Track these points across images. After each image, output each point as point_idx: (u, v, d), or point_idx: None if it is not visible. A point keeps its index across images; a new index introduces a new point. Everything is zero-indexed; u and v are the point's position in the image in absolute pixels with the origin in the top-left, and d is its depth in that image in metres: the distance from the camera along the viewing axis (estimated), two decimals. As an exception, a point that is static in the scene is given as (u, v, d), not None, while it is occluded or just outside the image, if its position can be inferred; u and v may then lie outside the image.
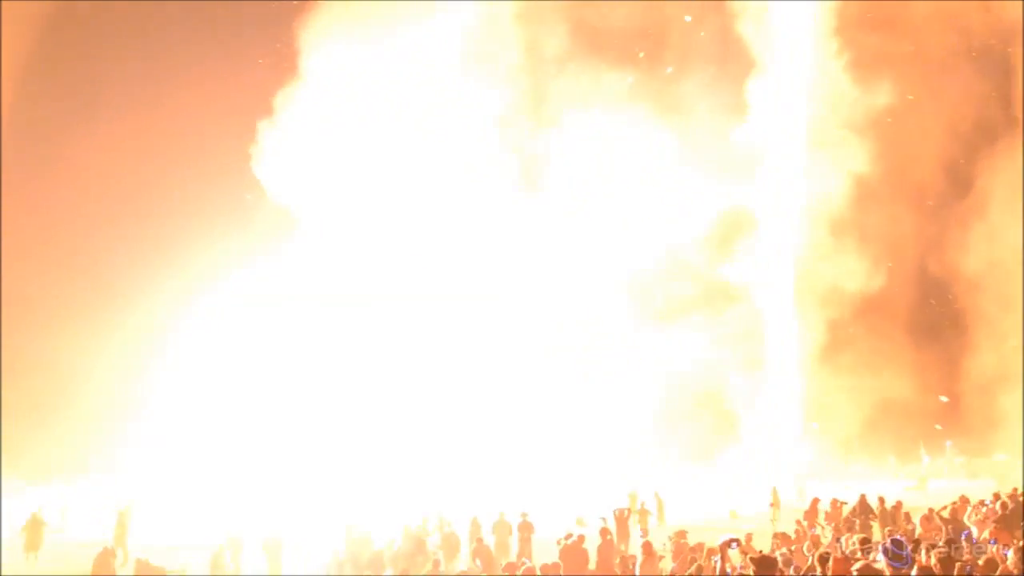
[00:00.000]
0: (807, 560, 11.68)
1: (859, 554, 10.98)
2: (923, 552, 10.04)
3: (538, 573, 12.69)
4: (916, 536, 15.17)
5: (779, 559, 10.69)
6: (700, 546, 13.64)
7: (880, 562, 9.49)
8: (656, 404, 43.35)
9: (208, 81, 48.70)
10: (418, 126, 44.70)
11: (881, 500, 22.37)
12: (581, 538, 16.24)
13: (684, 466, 44.38)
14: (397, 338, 42.74)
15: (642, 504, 25.81)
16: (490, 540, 21.44)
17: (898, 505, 21.82)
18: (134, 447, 42.13)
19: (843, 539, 13.47)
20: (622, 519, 21.10)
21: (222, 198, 47.05)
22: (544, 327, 45.28)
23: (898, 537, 10.60)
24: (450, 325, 43.12)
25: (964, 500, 19.23)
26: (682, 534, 15.83)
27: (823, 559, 10.11)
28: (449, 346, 42.79)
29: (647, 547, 15.18)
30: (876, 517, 21.37)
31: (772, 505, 27.36)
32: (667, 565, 15.18)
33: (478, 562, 18.28)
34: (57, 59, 51.49)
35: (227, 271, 44.67)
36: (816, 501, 23.77)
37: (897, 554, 9.16)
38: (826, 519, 21.99)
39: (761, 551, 10.98)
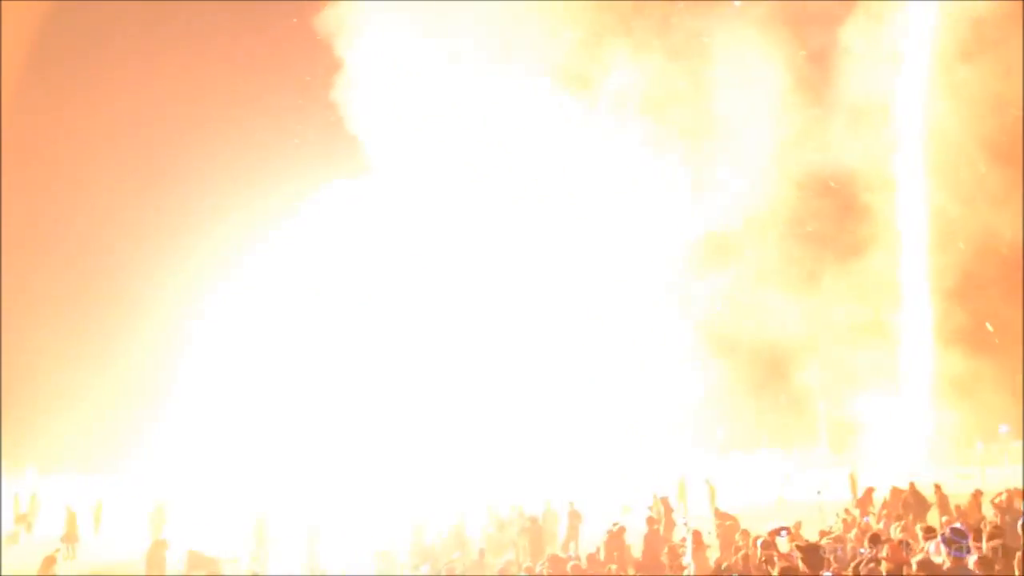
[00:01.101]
0: (855, 549, 11.49)
1: (921, 543, 10.74)
2: (983, 541, 9.79)
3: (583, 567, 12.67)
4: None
5: (825, 548, 10.52)
6: (746, 533, 13.47)
7: (939, 551, 9.28)
8: (722, 383, 42.45)
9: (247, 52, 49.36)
10: (454, 108, 43.99)
11: (937, 487, 21.77)
12: (622, 528, 16.15)
13: (747, 451, 43.69)
14: (443, 321, 42.52)
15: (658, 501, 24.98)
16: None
17: (977, 494, 20.38)
18: (164, 437, 42.58)
19: (893, 527, 13.18)
20: (668, 507, 20.89)
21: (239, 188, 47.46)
22: (596, 305, 44.40)
23: (958, 526, 10.34)
24: (498, 306, 42.81)
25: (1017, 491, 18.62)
26: (727, 518, 15.63)
27: (874, 539, 9.92)
28: (495, 329, 42.44)
29: (697, 536, 15.02)
30: (931, 506, 20.83)
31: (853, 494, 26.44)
32: (714, 554, 15.02)
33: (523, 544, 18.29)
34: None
35: (251, 252, 45.15)
36: (871, 490, 23.28)
37: (957, 543, 8.93)
38: (883, 507, 21.49)
39: (807, 540, 10.85)
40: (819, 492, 20.64)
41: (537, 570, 13.58)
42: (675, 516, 20.98)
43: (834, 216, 45.04)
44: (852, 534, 13.74)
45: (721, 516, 17.62)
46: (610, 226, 44.53)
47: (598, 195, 44.42)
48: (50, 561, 18.91)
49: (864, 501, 22.20)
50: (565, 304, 43.72)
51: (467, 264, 43.09)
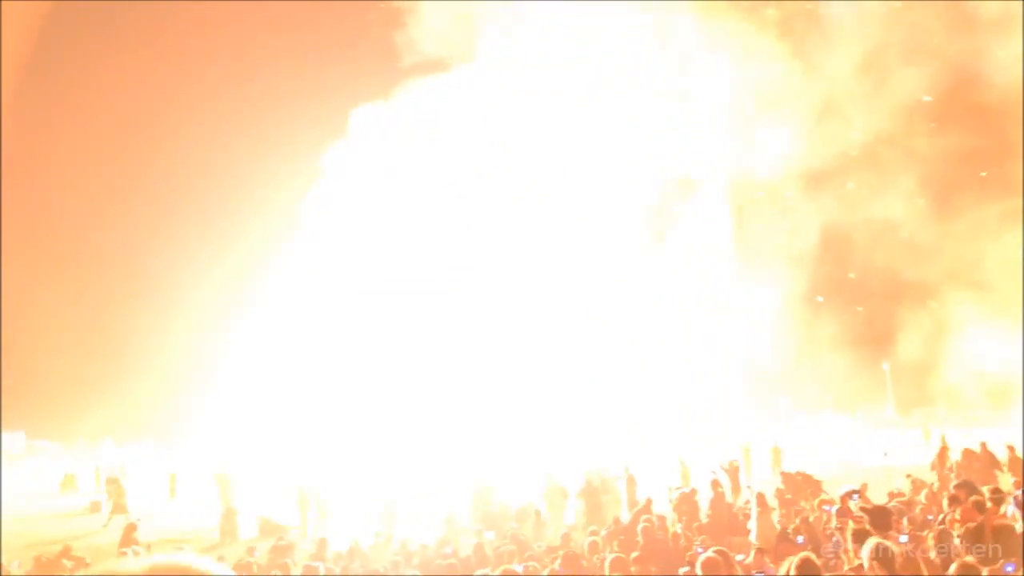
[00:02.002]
0: (925, 511, 11.32)
1: (989, 504, 10.48)
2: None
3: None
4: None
5: (893, 510, 10.34)
6: (811, 496, 13.35)
7: (1012, 513, 9.04)
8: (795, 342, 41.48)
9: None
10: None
11: (1011, 449, 21.14)
12: (693, 491, 16.17)
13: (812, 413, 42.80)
14: (494, 291, 42.36)
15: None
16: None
17: None
18: (224, 408, 43.57)
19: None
20: (734, 472, 20.77)
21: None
22: (660, 263, 43.60)
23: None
24: (555, 274, 42.54)
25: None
26: (794, 478, 15.49)
27: (953, 500, 9.72)
28: (556, 292, 42.12)
29: (761, 498, 14.91)
30: (1003, 467, 20.30)
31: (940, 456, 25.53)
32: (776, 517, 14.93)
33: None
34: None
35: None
36: (945, 450, 22.77)
37: (1025, 504, 8.65)
38: (957, 468, 21.02)
39: (874, 503, 10.72)
40: (885, 454, 20.28)
41: (602, 534, 13.65)
42: (740, 480, 20.90)
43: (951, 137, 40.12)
44: (922, 495, 13.50)
45: (787, 477, 17.51)
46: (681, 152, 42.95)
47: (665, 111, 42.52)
48: (131, 529, 19.67)
49: (941, 463, 21.68)
50: (627, 265, 43.19)
51: (529, 245, 42.93)
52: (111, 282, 53.51)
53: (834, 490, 15.53)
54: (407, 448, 34.13)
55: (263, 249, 47.63)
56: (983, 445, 21.38)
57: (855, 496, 11.72)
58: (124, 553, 12.79)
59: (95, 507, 28.90)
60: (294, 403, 41.83)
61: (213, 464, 31.93)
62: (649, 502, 15.79)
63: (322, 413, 40.41)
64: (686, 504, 15.40)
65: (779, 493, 15.30)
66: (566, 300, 41.99)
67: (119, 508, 26.37)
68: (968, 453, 21.63)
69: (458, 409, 38.70)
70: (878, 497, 14.86)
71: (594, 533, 13.65)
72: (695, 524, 14.34)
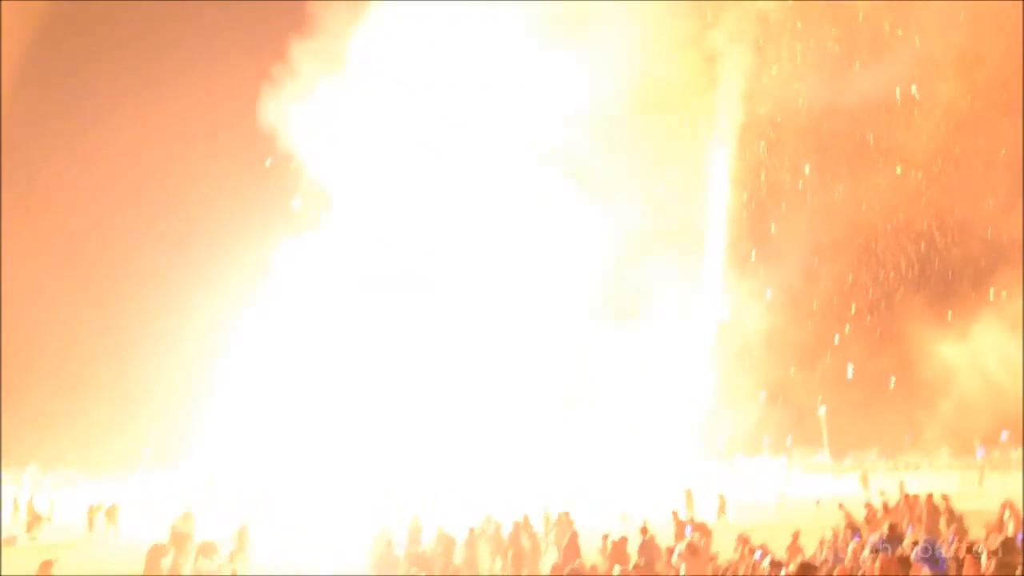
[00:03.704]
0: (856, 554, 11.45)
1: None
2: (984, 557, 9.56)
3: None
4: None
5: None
6: (743, 541, 13.42)
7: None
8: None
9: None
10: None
11: (945, 498, 21.14)
12: (624, 539, 16.06)
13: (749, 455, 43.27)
14: (448, 331, 42.27)
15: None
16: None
17: None
18: (203, 441, 42.52)
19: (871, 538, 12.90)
20: (679, 520, 20.56)
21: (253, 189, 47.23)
22: (604, 309, 44.06)
23: (929, 540, 10.22)
24: (499, 311, 42.55)
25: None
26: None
27: (875, 551, 9.83)
28: (496, 333, 42.21)
29: (691, 547, 14.84)
30: (943, 515, 20.37)
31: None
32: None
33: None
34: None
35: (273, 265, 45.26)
36: (907, 497, 22.85)
37: (928, 557, 8.78)
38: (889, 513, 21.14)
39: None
40: (818, 503, 20.45)
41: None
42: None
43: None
44: (851, 547, 13.59)
45: (697, 527, 17.61)
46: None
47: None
48: (47, 565, 18.80)
49: (910, 511, 21.63)
50: (564, 303, 43.26)
51: (476, 268, 42.83)
52: (50, 305, 52.11)
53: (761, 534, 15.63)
54: (354, 481, 33.73)
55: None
56: (930, 496, 21.35)
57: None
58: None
59: (9, 542, 27.51)
60: (230, 430, 41.18)
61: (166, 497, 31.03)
62: (574, 540, 15.72)
63: (269, 439, 39.85)
64: (617, 551, 15.34)
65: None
66: (506, 339, 42.04)
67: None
68: (908, 498, 21.84)
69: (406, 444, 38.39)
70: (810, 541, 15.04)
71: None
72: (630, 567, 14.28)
